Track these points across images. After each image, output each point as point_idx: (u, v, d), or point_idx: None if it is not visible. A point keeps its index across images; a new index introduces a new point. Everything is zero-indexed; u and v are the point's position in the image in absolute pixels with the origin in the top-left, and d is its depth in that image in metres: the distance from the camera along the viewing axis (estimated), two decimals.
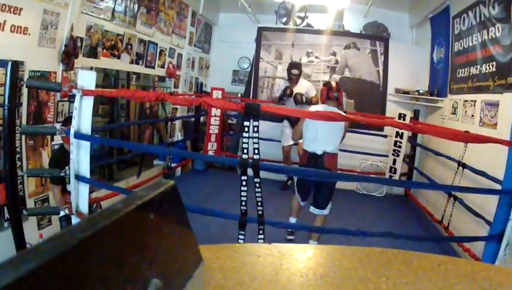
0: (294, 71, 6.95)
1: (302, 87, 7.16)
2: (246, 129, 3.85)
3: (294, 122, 6.39)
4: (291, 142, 7.15)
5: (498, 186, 4.23)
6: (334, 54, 9.33)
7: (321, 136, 5.00)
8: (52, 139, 5.22)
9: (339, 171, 8.07)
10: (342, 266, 1.22)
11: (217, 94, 8.70)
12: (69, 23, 5.21)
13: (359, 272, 1.18)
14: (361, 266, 1.24)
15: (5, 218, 4.57)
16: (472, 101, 6.16)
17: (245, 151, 3.92)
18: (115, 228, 0.75)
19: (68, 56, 5.19)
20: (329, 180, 5.19)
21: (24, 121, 4.78)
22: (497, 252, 3.71)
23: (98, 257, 0.69)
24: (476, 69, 6.03)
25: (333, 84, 5.26)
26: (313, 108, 5.44)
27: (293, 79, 7.11)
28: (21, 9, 4.50)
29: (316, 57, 9.41)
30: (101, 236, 0.70)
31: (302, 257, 1.26)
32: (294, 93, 6.99)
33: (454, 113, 6.93)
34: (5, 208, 4.55)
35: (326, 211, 5.19)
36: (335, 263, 1.24)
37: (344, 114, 5.01)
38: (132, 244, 0.80)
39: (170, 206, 0.98)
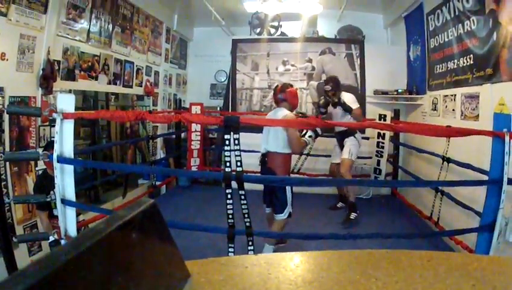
0: (327, 87, 6.71)
1: (342, 99, 6.72)
2: (227, 142, 3.84)
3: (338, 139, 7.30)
4: (336, 160, 7.25)
5: (485, 177, 4.22)
6: (310, 60, 9.38)
7: (264, 135, 5.14)
8: (36, 165, 5.13)
9: (321, 177, 8.13)
10: (331, 271, 1.22)
11: (195, 109, 8.68)
12: (46, 46, 5.13)
13: (348, 275, 1.18)
14: (349, 269, 1.23)
15: None
16: (452, 95, 6.19)
17: (227, 164, 3.90)
18: (98, 249, 0.74)
19: (46, 80, 5.12)
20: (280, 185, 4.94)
21: (7, 148, 4.70)
22: (490, 242, 3.71)
23: (83, 278, 0.69)
24: (454, 63, 6.07)
25: (279, 86, 5.30)
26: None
27: (329, 95, 6.71)
28: None
29: (292, 65, 9.44)
30: (85, 257, 0.70)
31: (290, 265, 1.25)
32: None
33: (434, 109, 6.96)
34: None
35: (283, 216, 5.03)
36: (323, 268, 1.24)
37: (291, 113, 5.08)
38: (116, 264, 0.79)
39: (151, 224, 0.97)
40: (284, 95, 5.19)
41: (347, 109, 6.55)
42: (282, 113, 4.97)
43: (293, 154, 5.23)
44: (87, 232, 0.77)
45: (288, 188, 4.94)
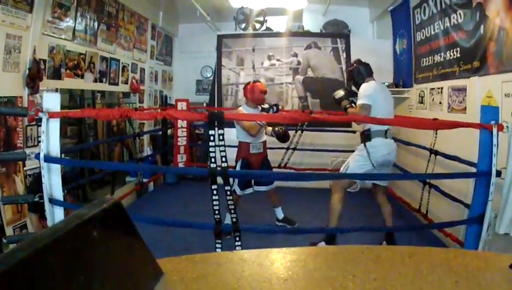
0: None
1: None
2: (212, 138, 3.80)
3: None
4: None
5: (473, 170, 4.22)
6: (296, 55, 9.39)
7: None
8: (24, 165, 5.08)
9: (308, 171, 8.12)
10: (306, 268, 1.22)
11: (181, 106, 8.61)
12: (32, 45, 5.09)
13: (324, 272, 1.18)
14: (326, 265, 1.23)
15: None
16: (439, 88, 6.20)
17: (212, 160, 3.88)
18: (57, 247, 0.74)
19: (33, 79, 5.07)
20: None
21: None
22: (479, 235, 3.72)
23: (41, 276, 0.69)
24: (440, 56, 6.07)
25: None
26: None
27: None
28: None
29: (278, 60, 9.45)
30: (43, 255, 0.70)
31: (265, 261, 1.25)
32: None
33: (421, 102, 6.97)
34: None
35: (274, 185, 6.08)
36: (299, 265, 1.23)
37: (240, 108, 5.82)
38: (78, 262, 0.79)
39: (115, 223, 0.97)
40: (244, 93, 5.76)
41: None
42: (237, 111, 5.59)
43: (252, 137, 5.75)
44: (46, 231, 0.77)
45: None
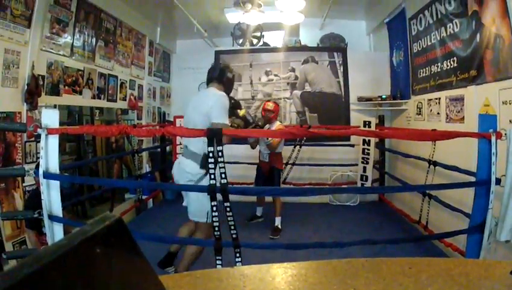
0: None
1: None
2: (211, 155, 3.78)
3: None
4: None
5: (472, 179, 4.22)
6: (293, 70, 9.41)
7: None
8: (23, 181, 5.08)
9: (307, 186, 8.15)
10: (308, 282, 1.21)
11: (180, 122, 8.61)
12: (30, 61, 5.10)
13: (325, 286, 1.17)
14: (327, 279, 1.22)
15: None
16: (436, 99, 6.22)
17: (212, 176, 3.83)
18: (60, 264, 0.73)
19: (31, 95, 5.08)
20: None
21: None
22: (480, 243, 3.70)
23: None
24: (437, 67, 6.09)
25: None
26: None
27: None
28: None
29: (275, 75, 9.47)
30: (46, 272, 0.69)
31: (266, 276, 1.25)
32: None
33: (419, 114, 6.97)
34: None
35: None
36: (300, 279, 1.22)
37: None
38: (81, 279, 0.78)
39: (117, 240, 0.94)
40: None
41: None
42: None
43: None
44: (49, 247, 0.75)
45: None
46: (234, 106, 5.10)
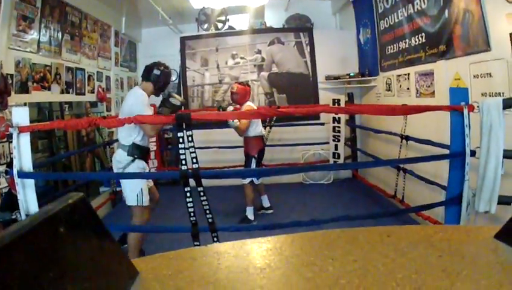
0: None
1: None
2: (181, 140, 3.79)
3: None
4: None
5: (446, 152, 4.26)
6: (259, 52, 9.37)
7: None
8: None
9: (280, 167, 8.16)
10: (283, 255, 1.20)
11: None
12: None
13: (302, 258, 1.16)
14: (303, 251, 1.22)
15: None
16: (405, 74, 6.27)
17: (183, 162, 3.86)
18: (23, 243, 0.73)
19: (1, 95, 4.95)
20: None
21: None
22: (458, 215, 3.76)
23: (8, 273, 0.68)
24: (406, 43, 6.14)
25: None
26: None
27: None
28: None
29: (242, 58, 9.41)
30: (8, 252, 0.69)
31: (240, 252, 1.23)
32: None
33: (389, 90, 7.03)
34: None
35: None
36: (275, 253, 1.21)
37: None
38: (45, 259, 0.78)
39: (82, 219, 0.94)
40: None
41: None
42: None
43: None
44: (11, 227, 0.75)
45: None
46: (166, 98, 5.19)
